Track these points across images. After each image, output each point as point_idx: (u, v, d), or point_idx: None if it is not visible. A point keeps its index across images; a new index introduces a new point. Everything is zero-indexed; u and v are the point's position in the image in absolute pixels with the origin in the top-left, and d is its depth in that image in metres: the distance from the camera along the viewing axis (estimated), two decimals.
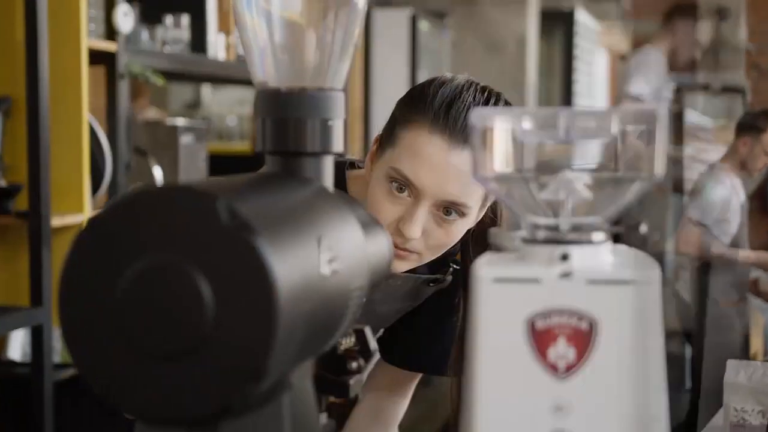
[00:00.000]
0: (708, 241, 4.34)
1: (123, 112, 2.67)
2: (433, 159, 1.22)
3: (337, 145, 0.81)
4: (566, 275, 0.66)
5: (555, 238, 0.69)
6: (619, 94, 4.42)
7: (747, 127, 4.42)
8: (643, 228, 0.87)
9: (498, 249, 0.77)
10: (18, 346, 2.61)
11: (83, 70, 2.46)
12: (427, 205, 1.23)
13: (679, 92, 4.40)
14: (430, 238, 1.26)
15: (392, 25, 4.85)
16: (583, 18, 7.49)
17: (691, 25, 4.44)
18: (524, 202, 0.71)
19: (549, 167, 0.71)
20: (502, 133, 0.69)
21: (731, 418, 1.88)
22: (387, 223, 1.25)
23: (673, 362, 4.24)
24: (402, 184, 1.24)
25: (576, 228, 0.69)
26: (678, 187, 4.77)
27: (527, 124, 0.69)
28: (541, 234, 0.69)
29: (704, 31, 4.54)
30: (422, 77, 5.87)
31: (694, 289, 4.31)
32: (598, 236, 0.69)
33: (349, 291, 0.72)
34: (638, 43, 9.88)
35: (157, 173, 2.88)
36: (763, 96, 10.26)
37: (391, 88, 4.80)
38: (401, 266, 1.28)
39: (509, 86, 5.59)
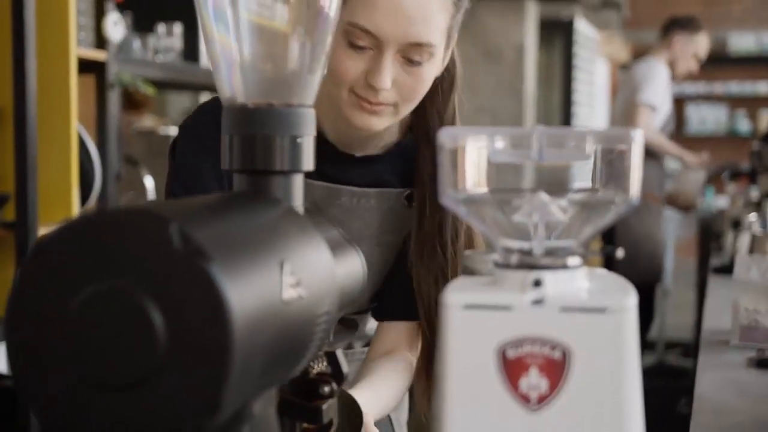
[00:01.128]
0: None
1: (113, 121, 2.64)
2: (387, 2, 1.18)
3: (307, 163, 0.79)
4: (538, 302, 0.64)
5: (528, 263, 0.66)
6: (626, 104, 4.38)
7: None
8: (620, 253, 0.85)
9: (471, 272, 0.74)
10: (4, 358, 2.58)
11: (72, 79, 2.43)
12: (391, 53, 1.20)
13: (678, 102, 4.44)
14: (401, 87, 1.22)
15: None
16: (582, 27, 7.47)
17: (688, 39, 4.44)
18: (496, 225, 0.68)
19: (522, 188, 0.68)
20: (473, 152, 0.66)
21: (741, 319, 1.75)
22: (353, 79, 1.21)
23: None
24: (361, 38, 1.19)
25: (550, 252, 0.67)
26: (672, 201, 4.74)
27: (499, 144, 0.66)
28: (514, 258, 0.67)
29: (705, 43, 4.56)
30: None
31: None
32: (573, 261, 0.66)
33: (316, 316, 0.69)
34: (638, 52, 9.89)
35: (149, 183, 2.86)
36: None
37: None
38: (378, 122, 1.25)
39: (508, 95, 5.57)
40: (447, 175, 0.67)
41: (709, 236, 4.76)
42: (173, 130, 3.09)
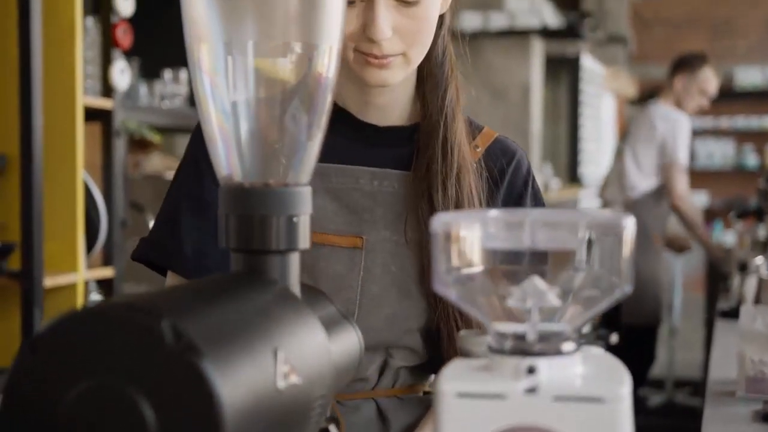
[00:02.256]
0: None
1: (119, 169, 2.65)
2: None
3: (304, 241, 0.79)
4: (532, 390, 0.64)
5: (521, 349, 0.66)
6: (659, 160, 4.34)
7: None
8: (614, 338, 0.84)
9: (466, 354, 0.74)
10: None
11: (78, 128, 2.45)
12: (383, 0, 1.13)
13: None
14: (403, 32, 1.15)
15: None
16: (588, 63, 7.50)
17: (690, 77, 4.46)
18: (490, 309, 0.68)
19: (515, 273, 0.68)
20: (466, 238, 0.66)
21: (747, 370, 1.72)
22: (352, 35, 1.14)
23: None
24: None
25: (544, 337, 0.67)
26: (669, 242, 4.74)
27: (492, 230, 0.66)
28: (508, 344, 0.67)
29: (711, 78, 4.56)
30: None
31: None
32: (568, 346, 0.66)
33: (311, 401, 0.69)
34: (644, 87, 9.92)
35: None
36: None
37: None
38: (392, 75, 1.17)
39: (514, 133, 5.57)
40: (439, 260, 0.67)
41: (717, 275, 4.74)
42: None
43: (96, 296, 2.78)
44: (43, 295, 2.34)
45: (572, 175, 7.35)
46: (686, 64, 4.49)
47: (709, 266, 5.29)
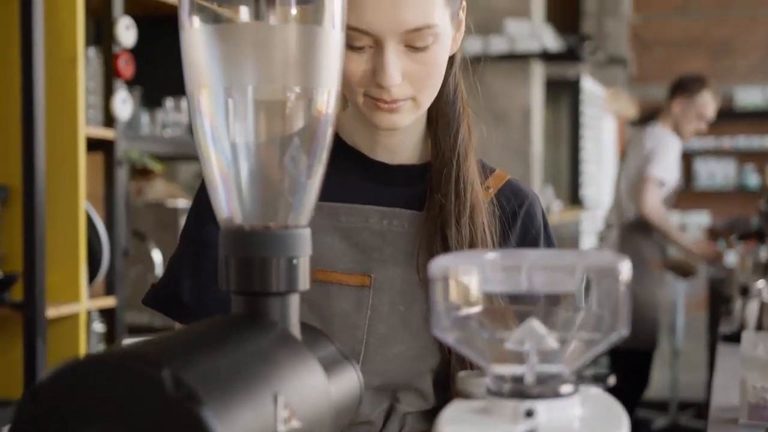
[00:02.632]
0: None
1: (121, 198, 2.67)
2: None
3: (304, 282, 0.79)
4: None
5: (520, 391, 0.66)
6: (636, 173, 4.34)
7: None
8: (611, 380, 0.84)
9: (466, 395, 0.74)
10: None
11: (81, 158, 2.46)
12: (392, 46, 1.11)
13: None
14: (413, 77, 1.14)
15: None
16: (589, 85, 7.52)
17: (688, 101, 4.47)
18: (488, 351, 0.69)
19: (513, 315, 0.69)
20: (464, 282, 0.67)
21: (749, 397, 1.71)
22: (361, 81, 1.13)
23: None
24: (356, 38, 1.11)
25: (542, 379, 0.67)
26: (672, 267, 4.73)
27: (489, 273, 0.67)
28: (506, 387, 0.67)
29: (709, 102, 4.57)
30: None
31: (623, 247, 4.30)
32: (566, 389, 0.67)
33: None
34: (645, 108, 9.95)
35: (156, 257, 2.87)
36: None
37: None
38: (401, 119, 1.17)
39: (515, 157, 5.59)
40: (438, 303, 0.67)
41: (719, 297, 4.74)
42: (181, 203, 3.11)
43: (98, 326, 2.78)
44: (45, 326, 2.35)
45: (574, 197, 7.36)
46: (684, 87, 4.49)
47: (711, 287, 5.28)
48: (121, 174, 2.65)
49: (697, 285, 6.21)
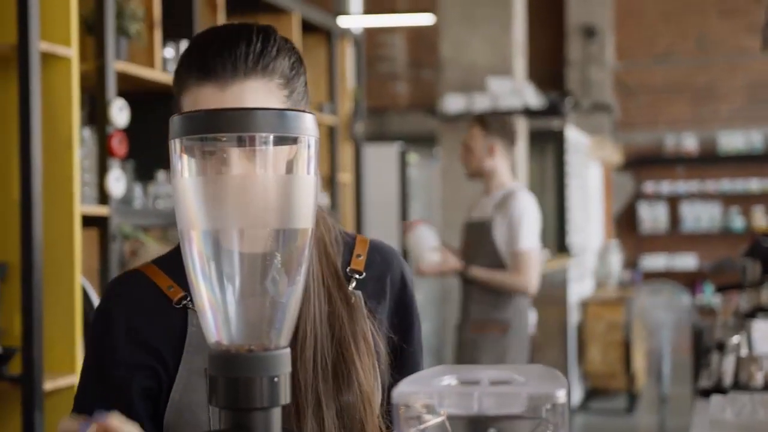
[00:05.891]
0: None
1: (115, 271, 2.76)
2: (208, 107, 1.16)
3: (285, 397, 0.90)
4: None
5: None
6: (500, 248, 3.88)
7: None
8: None
9: None
10: None
11: (76, 236, 2.56)
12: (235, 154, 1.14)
13: None
14: None
15: (382, 158, 5.00)
16: (573, 135, 7.66)
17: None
18: None
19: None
20: (424, 408, 0.77)
21: None
22: None
23: None
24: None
25: None
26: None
27: (446, 401, 0.77)
28: None
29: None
30: (413, 206, 6.00)
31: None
32: None
33: None
34: (630, 153, 10.11)
35: None
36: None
37: (382, 219, 4.92)
38: None
39: None
40: (400, 428, 0.77)
41: (701, 345, 4.82)
42: None
43: None
44: (43, 399, 2.43)
45: (561, 245, 7.46)
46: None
47: (695, 334, 5.37)
48: (115, 248, 2.75)
49: (683, 328, 6.29)
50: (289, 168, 0.89)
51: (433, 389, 0.77)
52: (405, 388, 0.78)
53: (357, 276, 1.29)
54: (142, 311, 1.25)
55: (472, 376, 0.81)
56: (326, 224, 1.31)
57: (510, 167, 3.98)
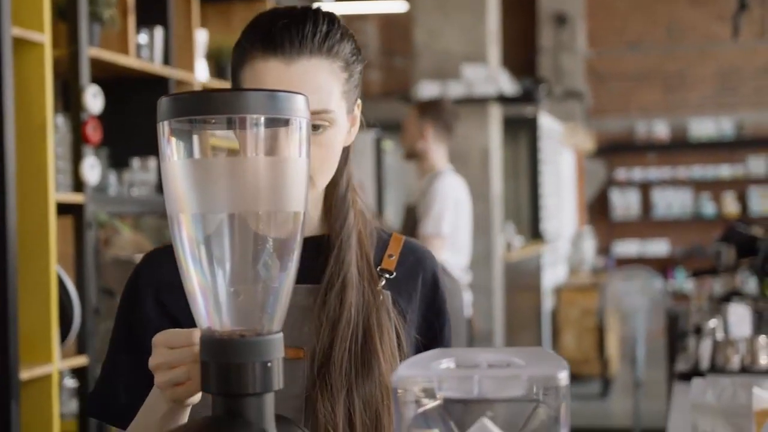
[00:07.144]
0: None
1: (90, 259, 2.73)
2: (273, 80, 1.17)
3: (278, 383, 0.88)
4: None
5: None
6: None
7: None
8: None
9: None
10: None
11: (51, 224, 2.53)
12: None
13: None
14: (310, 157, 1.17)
15: (357, 145, 4.96)
16: (546, 122, 7.68)
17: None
18: None
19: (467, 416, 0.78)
20: (422, 393, 0.76)
21: None
22: None
23: None
24: None
25: None
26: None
27: (445, 385, 0.76)
28: None
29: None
30: (389, 195, 5.99)
31: None
32: None
33: None
34: (602, 140, 10.15)
35: None
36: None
37: None
38: None
39: (475, 198, 5.69)
40: (399, 412, 0.76)
41: (675, 330, 4.84)
42: None
43: (70, 382, 2.83)
44: (19, 388, 2.40)
45: (534, 232, 7.49)
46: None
47: (669, 319, 5.40)
48: (90, 236, 2.72)
49: (656, 319, 6.33)
50: (281, 150, 0.88)
51: (433, 373, 0.76)
52: (404, 371, 0.77)
53: (387, 275, 1.29)
54: (169, 287, 1.22)
55: (470, 359, 0.80)
56: (364, 219, 1.31)
57: (444, 153, 3.97)
